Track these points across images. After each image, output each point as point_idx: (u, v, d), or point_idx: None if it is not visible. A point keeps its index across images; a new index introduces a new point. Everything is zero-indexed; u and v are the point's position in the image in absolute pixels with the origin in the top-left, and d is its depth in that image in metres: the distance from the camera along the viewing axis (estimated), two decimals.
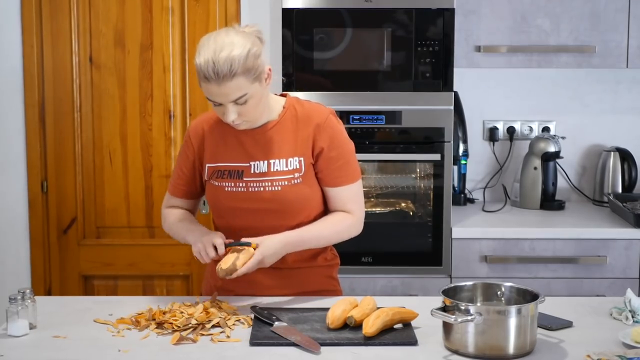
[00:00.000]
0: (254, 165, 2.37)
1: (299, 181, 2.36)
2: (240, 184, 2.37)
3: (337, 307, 2.13)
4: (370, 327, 2.05)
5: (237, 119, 2.27)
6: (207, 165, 2.42)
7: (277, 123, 2.37)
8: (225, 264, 2.22)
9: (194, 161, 2.45)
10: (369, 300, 2.17)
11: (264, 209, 2.36)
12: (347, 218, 2.41)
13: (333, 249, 2.52)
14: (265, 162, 2.36)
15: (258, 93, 2.27)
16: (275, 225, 2.36)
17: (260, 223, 2.37)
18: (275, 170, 2.36)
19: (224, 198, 2.39)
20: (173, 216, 2.50)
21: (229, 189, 2.38)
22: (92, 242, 3.73)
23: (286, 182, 2.35)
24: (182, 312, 2.18)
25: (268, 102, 2.35)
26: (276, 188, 2.35)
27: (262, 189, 2.36)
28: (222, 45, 2.19)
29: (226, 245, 2.30)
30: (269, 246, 2.29)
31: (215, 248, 2.29)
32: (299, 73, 3.33)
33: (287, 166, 2.36)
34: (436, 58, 3.30)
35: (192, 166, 2.46)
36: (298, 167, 2.36)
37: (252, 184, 2.36)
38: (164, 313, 2.18)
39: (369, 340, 2.04)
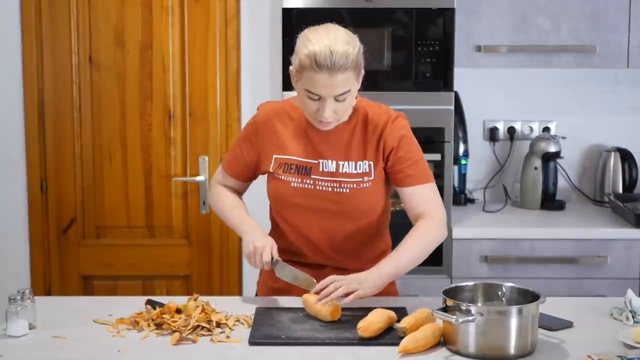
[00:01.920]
0: (323, 163, 2.35)
1: (368, 185, 2.34)
2: (308, 181, 2.35)
3: (375, 318, 2.08)
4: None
5: (332, 116, 2.25)
6: (274, 156, 2.38)
7: (347, 124, 2.35)
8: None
9: (257, 148, 2.41)
10: (423, 312, 2.11)
11: (328, 210, 2.34)
12: (430, 226, 2.34)
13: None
14: (334, 162, 2.34)
15: (355, 92, 2.28)
16: (335, 226, 2.35)
17: (320, 222, 2.36)
18: (344, 172, 2.34)
19: (290, 194, 2.36)
20: (226, 200, 2.48)
21: (296, 184, 2.35)
22: (92, 242, 3.73)
23: (355, 185, 2.34)
24: (179, 313, 2.17)
25: None
26: (344, 190, 2.33)
27: (330, 189, 2.34)
28: (337, 38, 2.20)
29: (273, 262, 2.28)
30: (368, 280, 2.22)
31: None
32: None
33: (356, 169, 2.34)
34: (436, 58, 3.30)
35: (254, 153, 2.42)
36: (367, 171, 2.34)
37: (319, 183, 2.34)
38: (162, 314, 2.17)
39: (368, 340, 2.04)
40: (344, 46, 2.19)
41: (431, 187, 2.38)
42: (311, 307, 2.20)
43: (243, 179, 2.49)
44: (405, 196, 2.37)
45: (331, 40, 2.19)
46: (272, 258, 2.29)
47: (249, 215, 2.44)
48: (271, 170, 2.39)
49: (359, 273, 2.23)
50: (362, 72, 2.29)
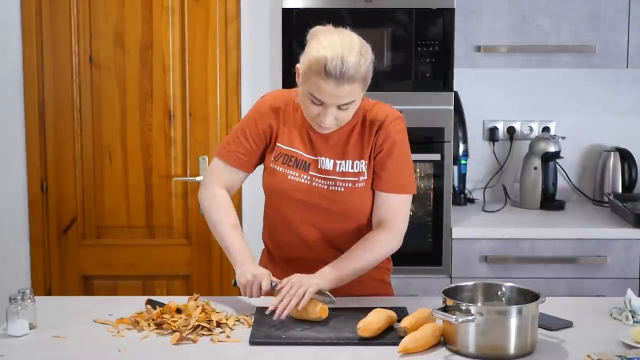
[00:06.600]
0: (321, 161, 2.34)
1: (362, 185, 2.34)
2: (305, 176, 2.34)
3: (375, 318, 2.08)
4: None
5: (332, 123, 2.23)
6: (277, 144, 2.36)
7: (347, 124, 2.32)
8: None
9: (265, 135, 2.37)
10: (423, 312, 2.12)
11: (321, 207, 2.34)
12: (384, 238, 2.33)
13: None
14: (332, 161, 2.33)
15: (359, 101, 2.25)
16: (326, 223, 2.35)
17: (311, 217, 2.35)
18: (340, 170, 2.33)
19: (286, 187, 2.34)
20: (228, 213, 2.39)
21: (293, 177, 2.34)
22: (92, 242, 3.73)
23: (350, 184, 2.33)
24: (179, 313, 2.18)
25: None
26: (339, 189, 2.33)
27: (325, 186, 2.33)
28: (351, 47, 2.15)
29: (272, 286, 2.24)
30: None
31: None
32: None
33: (353, 168, 2.33)
34: (436, 58, 3.30)
35: (260, 139, 2.37)
36: (363, 170, 2.33)
37: (316, 179, 2.33)
38: (162, 314, 2.17)
39: (368, 340, 2.04)
40: (357, 57, 2.14)
41: (403, 199, 2.36)
42: (297, 311, 2.18)
43: (244, 168, 2.40)
44: (376, 199, 2.36)
45: (344, 49, 2.13)
46: (272, 283, 2.25)
47: (245, 243, 2.37)
48: (272, 159, 2.37)
49: (307, 275, 2.23)
50: (369, 82, 2.24)
